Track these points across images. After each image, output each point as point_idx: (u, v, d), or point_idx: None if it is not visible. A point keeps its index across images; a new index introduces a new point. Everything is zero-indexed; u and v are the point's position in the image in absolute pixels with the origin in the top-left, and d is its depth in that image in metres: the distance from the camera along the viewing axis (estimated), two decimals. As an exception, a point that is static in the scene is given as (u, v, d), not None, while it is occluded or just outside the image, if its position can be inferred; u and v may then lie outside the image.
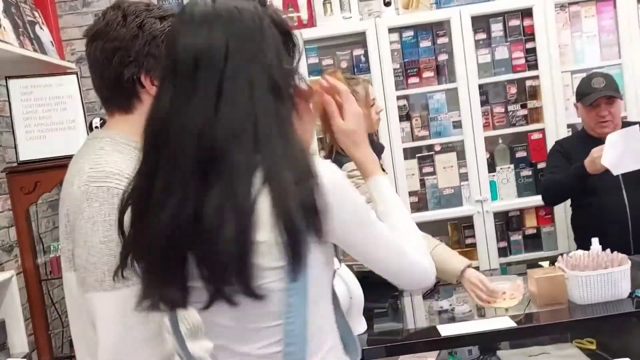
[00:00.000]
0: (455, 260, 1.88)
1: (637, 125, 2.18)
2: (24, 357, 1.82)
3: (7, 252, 2.31)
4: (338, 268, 0.98)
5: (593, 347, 1.94)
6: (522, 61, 2.94)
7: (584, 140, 2.43)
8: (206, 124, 0.81)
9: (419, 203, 3.01)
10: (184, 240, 0.82)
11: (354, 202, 0.89)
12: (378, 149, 2.45)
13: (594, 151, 2.16)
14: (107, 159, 1.04)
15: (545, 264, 2.04)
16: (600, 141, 2.23)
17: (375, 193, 1.02)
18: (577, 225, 2.56)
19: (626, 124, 2.40)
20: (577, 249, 2.00)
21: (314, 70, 2.94)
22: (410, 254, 0.94)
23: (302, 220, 0.80)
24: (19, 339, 1.79)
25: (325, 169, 0.86)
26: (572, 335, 2.00)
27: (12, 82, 1.87)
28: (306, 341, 0.87)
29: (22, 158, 1.85)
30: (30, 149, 1.85)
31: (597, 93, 2.32)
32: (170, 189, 0.82)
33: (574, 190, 2.37)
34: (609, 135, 2.16)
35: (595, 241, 1.87)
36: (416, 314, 2.05)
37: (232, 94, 0.82)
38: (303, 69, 2.88)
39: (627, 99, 2.82)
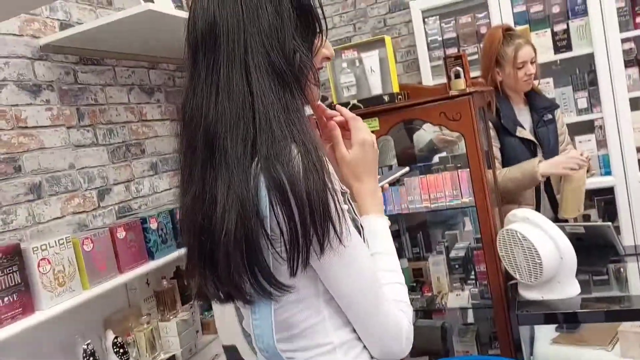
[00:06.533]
0: (524, 164, 2.07)
1: None
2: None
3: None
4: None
5: None
6: None
7: None
8: (207, 111, 0.76)
9: (649, 160, 2.63)
10: (197, 232, 0.77)
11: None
12: (544, 104, 2.22)
13: None
14: None
15: None
16: None
17: (369, 235, 0.87)
18: None
19: None
20: None
21: (521, 19, 2.73)
22: (387, 304, 0.80)
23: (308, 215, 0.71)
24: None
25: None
26: None
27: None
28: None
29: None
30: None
31: None
32: (190, 176, 0.78)
33: None
34: None
35: None
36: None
37: (226, 79, 0.75)
38: (508, 17, 2.70)
39: None
